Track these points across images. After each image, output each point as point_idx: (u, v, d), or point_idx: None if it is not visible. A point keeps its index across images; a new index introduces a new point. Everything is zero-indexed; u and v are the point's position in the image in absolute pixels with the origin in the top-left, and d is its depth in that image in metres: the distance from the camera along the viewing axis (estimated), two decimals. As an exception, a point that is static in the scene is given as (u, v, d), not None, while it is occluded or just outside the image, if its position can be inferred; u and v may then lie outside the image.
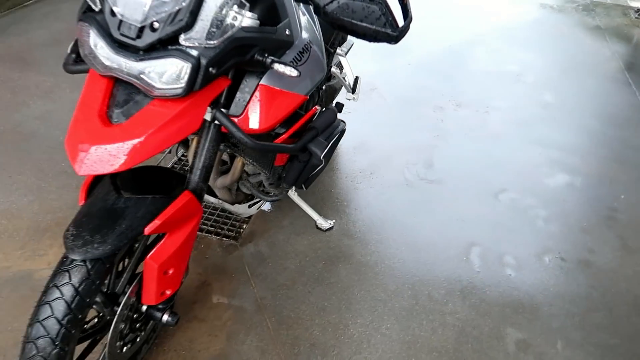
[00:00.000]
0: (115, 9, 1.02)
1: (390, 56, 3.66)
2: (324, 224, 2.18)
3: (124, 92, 1.10)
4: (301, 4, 1.37)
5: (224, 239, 2.10)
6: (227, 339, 1.72)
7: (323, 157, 1.39)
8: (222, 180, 1.67)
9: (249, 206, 1.87)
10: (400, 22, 1.22)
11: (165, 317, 1.40)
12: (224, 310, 1.81)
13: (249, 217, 2.20)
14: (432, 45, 3.88)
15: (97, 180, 1.23)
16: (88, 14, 1.07)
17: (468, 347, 1.75)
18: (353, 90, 2.29)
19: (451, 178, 2.53)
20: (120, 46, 1.04)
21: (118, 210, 1.14)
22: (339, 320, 1.82)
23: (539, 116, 3.10)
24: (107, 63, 1.04)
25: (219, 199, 1.75)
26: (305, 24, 1.37)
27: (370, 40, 1.20)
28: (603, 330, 1.84)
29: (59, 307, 1.08)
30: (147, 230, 1.14)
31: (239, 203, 1.84)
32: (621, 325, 1.86)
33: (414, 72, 3.53)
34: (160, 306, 1.40)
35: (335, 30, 1.76)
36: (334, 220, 2.21)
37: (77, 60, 1.26)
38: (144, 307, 1.41)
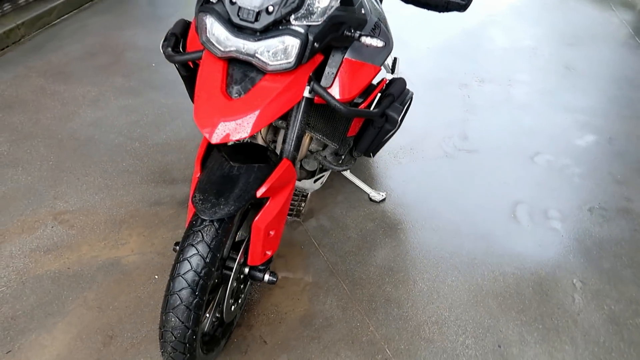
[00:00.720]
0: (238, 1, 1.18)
1: (411, 42, 3.82)
2: (376, 196, 2.34)
3: (239, 71, 1.26)
4: None
5: (287, 217, 2.26)
6: (309, 301, 1.88)
7: (399, 120, 1.55)
8: None
9: (314, 181, 2.03)
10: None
11: (267, 277, 1.56)
12: (300, 277, 1.97)
13: (306, 196, 2.36)
14: (447, 29, 4.05)
15: (207, 155, 1.40)
16: (206, 6, 1.23)
17: (529, 290, 1.91)
18: (392, 70, 2.45)
19: (487, 147, 2.69)
20: (239, 30, 1.20)
21: (233, 177, 1.30)
22: (407, 278, 1.98)
23: (561, 85, 3.25)
24: (228, 44, 1.21)
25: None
26: (371, 4, 1.54)
27: (440, 11, 1.36)
28: (650, 268, 1.99)
29: (196, 262, 1.23)
30: (259, 193, 1.30)
31: (305, 179, 2.00)
32: (666, 262, 2.02)
33: (435, 55, 3.69)
34: (261, 267, 1.56)
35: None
36: (385, 193, 2.37)
37: (175, 50, 1.43)
38: (247, 269, 1.57)
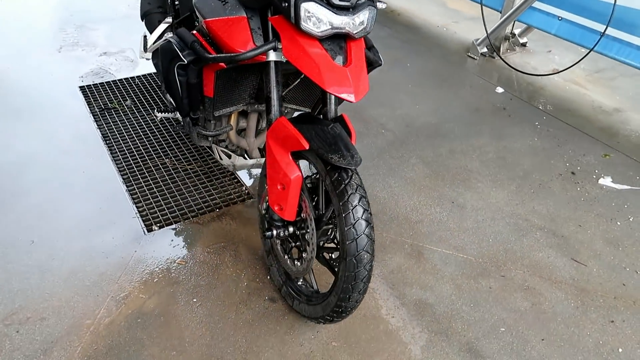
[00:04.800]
0: None
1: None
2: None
3: (331, 45, 1.45)
4: None
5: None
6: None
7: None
8: (260, 139, 2.05)
9: None
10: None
11: None
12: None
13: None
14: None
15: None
16: None
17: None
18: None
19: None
20: (338, 9, 1.40)
21: (340, 133, 1.52)
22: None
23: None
24: (328, 24, 1.39)
25: (256, 158, 2.13)
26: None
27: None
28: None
29: (364, 204, 1.47)
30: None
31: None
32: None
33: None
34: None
35: None
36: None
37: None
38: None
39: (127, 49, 3.68)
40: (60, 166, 2.50)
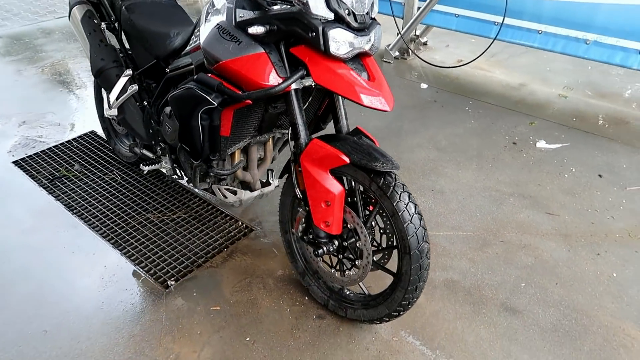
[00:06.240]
0: (354, 10, 1.50)
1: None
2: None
3: (354, 64, 1.58)
4: None
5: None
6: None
7: None
8: (262, 168, 2.14)
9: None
10: None
11: None
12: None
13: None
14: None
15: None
16: (330, 24, 1.47)
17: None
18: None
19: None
20: (357, 31, 1.52)
21: (371, 144, 1.67)
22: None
23: (459, 53, 3.68)
24: (355, 43, 1.51)
25: (259, 189, 2.17)
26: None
27: None
28: None
29: (413, 206, 1.61)
30: None
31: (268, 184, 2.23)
32: None
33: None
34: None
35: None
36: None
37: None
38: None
39: (47, 113, 3.44)
40: (35, 247, 2.29)
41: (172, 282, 2.11)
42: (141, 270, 2.17)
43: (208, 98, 1.63)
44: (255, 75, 1.59)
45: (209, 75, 1.68)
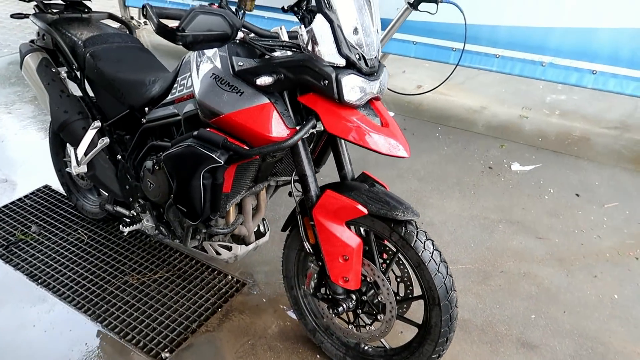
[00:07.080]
0: (364, 55, 1.43)
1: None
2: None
3: (366, 110, 1.49)
4: None
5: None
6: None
7: None
8: (257, 219, 1.96)
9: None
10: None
11: None
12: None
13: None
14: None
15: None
16: (342, 71, 1.39)
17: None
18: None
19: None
20: (367, 76, 1.43)
21: (385, 190, 1.59)
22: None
23: (421, 80, 3.72)
24: (367, 88, 1.43)
25: (254, 241, 2.00)
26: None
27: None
28: None
29: (438, 254, 1.53)
30: None
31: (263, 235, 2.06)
32: None
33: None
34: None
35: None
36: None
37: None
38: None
39: (-11, 169, 3.09)
40: (-2, 330, 2.00)
41: (167, 354, 1.90)
42: (128, 344, 1.94)
43: (213, 156, 1.49)
44: (262, 128, 1.46)
45: (210, 130, 1.54)
